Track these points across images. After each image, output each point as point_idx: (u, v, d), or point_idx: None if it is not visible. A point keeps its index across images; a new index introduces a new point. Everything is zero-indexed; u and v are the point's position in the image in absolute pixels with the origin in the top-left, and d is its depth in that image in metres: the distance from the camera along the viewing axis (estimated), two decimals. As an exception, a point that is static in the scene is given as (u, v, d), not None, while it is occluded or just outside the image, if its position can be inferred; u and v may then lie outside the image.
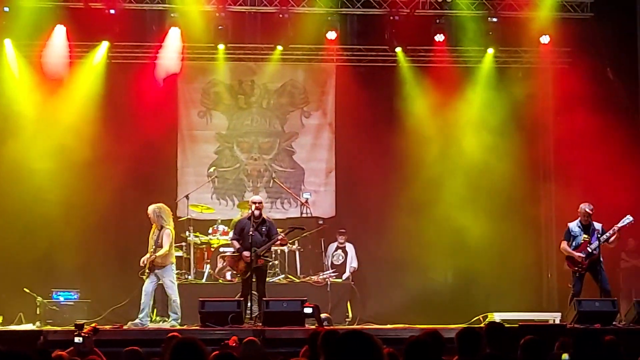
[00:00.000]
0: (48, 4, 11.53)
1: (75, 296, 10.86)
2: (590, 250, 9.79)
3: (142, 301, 9.76)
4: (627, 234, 10.48)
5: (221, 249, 11.40)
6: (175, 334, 6.02)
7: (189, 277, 11.34)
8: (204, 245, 11.50)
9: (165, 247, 9.68)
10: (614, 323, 9.30)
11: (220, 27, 12.06)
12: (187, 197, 11.81)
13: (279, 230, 10.15)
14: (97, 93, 11.99)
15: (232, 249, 10.78)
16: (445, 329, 6.78)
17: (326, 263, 11.92)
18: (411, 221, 11.95)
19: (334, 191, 12.86)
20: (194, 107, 12.87)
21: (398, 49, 12.42)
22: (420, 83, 12.51)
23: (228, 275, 11.25)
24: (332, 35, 12.13)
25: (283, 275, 11.34)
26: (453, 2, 12.03)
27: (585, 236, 9.86)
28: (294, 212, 12.49)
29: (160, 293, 10.42)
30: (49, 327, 9.80)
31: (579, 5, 12.15)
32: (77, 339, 6.13)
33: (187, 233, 11.44)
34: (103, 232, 11.70)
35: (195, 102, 12.88)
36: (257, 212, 9.90)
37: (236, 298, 9.77)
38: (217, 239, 11.50)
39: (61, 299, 10.77)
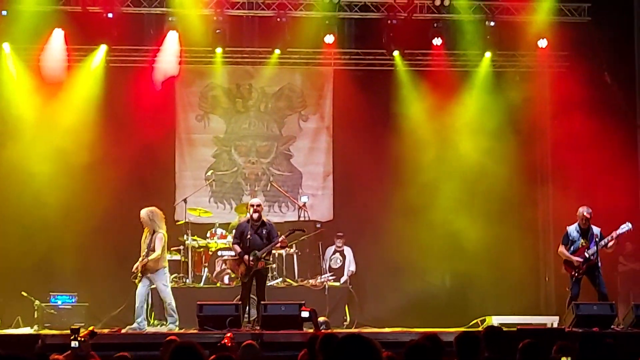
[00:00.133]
0: (46, 8, 11.53)
1: (73, 300, 10.84)
2: (587, 256, 9.79)
3: (137, 306, 9.73)
4: (625, 238, 10.50)
5: (219, 253, 11.40)
6: (173, 337, 6.01)
7: (187, 280, 11.33)
8: (201, 249, 11.50)
9: (158, 251, 9.66)
10: (612, 327, 9.31)
11: (218, 31, 12.06)
12: (185, 200, 11.80)
13: (278, 233, 10.14)
14: (95, 97, 12.00)
15: (230, 253, 10.79)
16: (444, 333, 6.79)
17: (324, 267, 11.92)
18: (409, 225, 11.96)
19: (332, 195, 12.87)
20: (191, 111, 12.88)
21: (396, 53, 12.45)
22: (418, 87, 12.53)
23: (226, 279, 11.25)
24: (329, 39, 12.15)
25: (281, 279, 11.34)
26: (451, 6, 12.05)
27: (584, 241, 9.87)
28: (291, 216, 12.49)
29: (157, 297, 10.41)
30: (46, 331, 9.78)
31: (576, 9, 12.18)
32: (73, 343, 6.11)
33: (185, 237, 11.43)
34: (101, 235, 11.69)
35: (193, 106, 12.89)
36: (255, 215, 9.89)
37: (235, 301, 9.77)
38: (215, 242, 11.50)
39: (59, 302, 10.76)
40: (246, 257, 9.75)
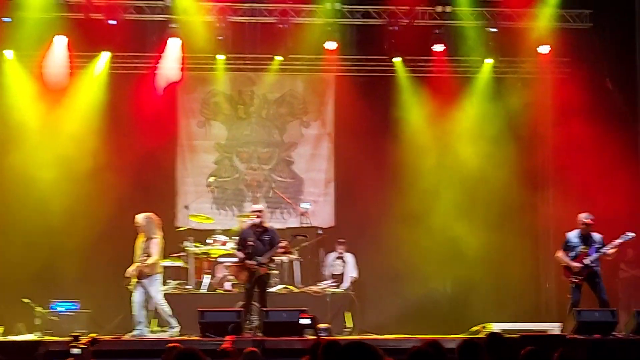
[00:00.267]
0: (49, 15, 11.57)
1: (76, 306, 10.84)
2: (587, 263, 9.77)
3: (135, 314, 9.71)
4: (627, 245, 10.48)
5: (220, 259, 11.40)
6: (175, 344, 6.01)
7: (189, 287, 11.33)
8: (203, 256, 11.50)
9: (155, 256, 9.65)
10: (613, 333, 9.29)
11: (220, 38, 12.11)
12: (186, 207, 11.81)
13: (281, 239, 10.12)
14: (98, 103, 12.03)
15: (231, 259, 10.79)
16: (445, 339, 6.78)
17: (325, 273, 11.92)
18: (410, 231, 11.97)
19: (333, 201, 12.88)
20: (193, 117, 12.91)
21: (397, 59, 12.47)
22: (420, 93, 12.56)
23: (227, 285, 11.25)
24: (331, 45, 12.19)
25: (282, 286, 11.33)
26: (452, 13, 12.10)
27: (584, 247, 9.85)
28: (293, 222, 12.50)
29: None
30: (48, 338, 9.77)
31: (578, 15, 12.21)
32: (74, 350, 6.11)
33: (187, 243, 11.43)
34: (104, 242, 11.70)
35: (195, 112, 12.92)
36: (257, 220, 9.90)
37: (237, 308, 9.77)
38: (217, 249, 11.50)
39: (61, 309, 10.75)
40: (249, 262, 9.75)
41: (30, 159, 11.64)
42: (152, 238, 9.69)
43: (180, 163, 12.77)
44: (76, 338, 6.11)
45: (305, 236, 10.91)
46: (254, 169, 12.94)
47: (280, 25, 12.12)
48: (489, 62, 12.49)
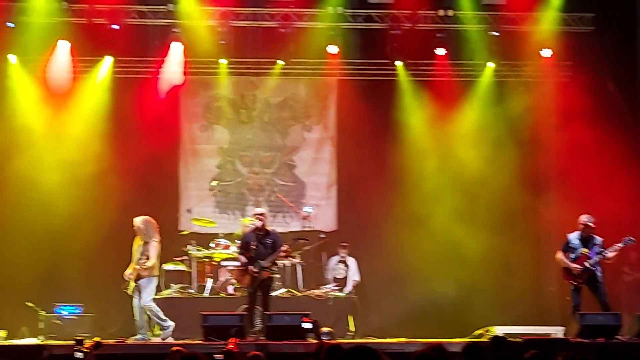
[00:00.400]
0: (52, 20, 11.61)
1: (79, 310, 10.85)
2: (587, 266, 9.75)
3: (137, 319, 9.70)
4: (629, 248, 10.46)
5: (223, 263, 11.41)
6: (179, 348, 6.02)
7: (191, 290, 11.33)
8: (206, 259, 11.50)
9: (153, 259, 9.66)
10: (617, 337, 9.28)
11: (222, 42, 12.13)
12: (189, 210, 11.81)
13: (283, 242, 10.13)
14: (101, 107, 12.06)
15: (234, 263, 10.79)
16: (448, 343, 6.78)
17: (328, 277, 11.92)
18: (413, 234, 11.97)
19: (336, 205, 12.88)
20: (196, 122, 12.92)
21: (399, 63, 12.49)
22: (422, 97, 12.56)
23: (230, 289, 11.25)
24: (333, 49, 12.20)
25: (285, 289, 11.33)
26: (454, 17, 12.11)
27: (585, 250, 9.83)
28: (295, 226, 12.50)
29: (162, 306, 10.41)
30: (52, 342, 9.79)
31: (580, 19, 12.22)
32: (78, 354, 6.12)
33: (189, 247, 11.44)
34: (107, 246, 11.70)
35: (198, 117, 12.94)
36: (259, 224, 9.91)
37: (240, 311, 9.77)
38: (219, 252, 11.50)
39: (65, 313, 10.77)
40: (251, 267, 9.75)
41: (34, 163, 11.66)
42: (150, 241, 9.70)
43: (183, 167, 12.79)
44: (80, 342, 6.11)
45: (307, 239, 10.91)
46: (256, 173, 12.95)
47: (283, 30, 12.14)
48: (491, 65, 12.50)
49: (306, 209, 12.26)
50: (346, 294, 11.63)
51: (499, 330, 10.34)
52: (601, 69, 12.01)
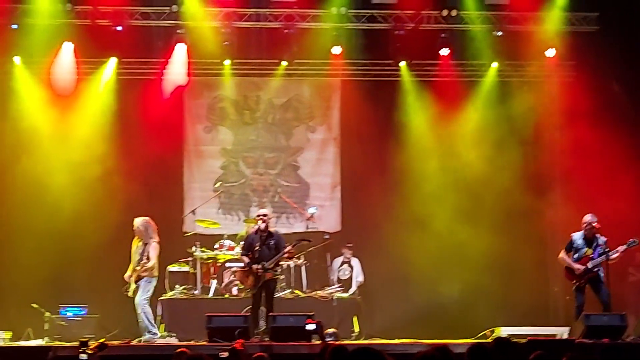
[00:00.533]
0: (56, 21, 11.63)
1: (84, 311, 10.87)
2: (589, 267, 9.73)
3: (140, 320, 9.70)
4: (635, 248, 10.42)
5: (227, 264, 11.41)
6: (184, 349, 6.02)
7: (196, 292, 11.34)
8: (210, 260, 11.51)
9: (153, 260, 9.68)
10: (622, 337, 9.25)
11: (226, 43, 12.14)
12: (193, 212, 11.82)
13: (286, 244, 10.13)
14: (106, 109, 12.08)
15: (238, 264, 10.79)
16: (453, 344, 6.77)
17: (332, 278, 11.91)
18: (417, 235, 11.95)
19: (340, 205, 12.88)
20: (199, 123, 12.94)
21: (402, 64, 12.48)
22: (425, 97, 12.55)
23: (235, 290, 11.25)
24: (337, 50, 12.20)
25: (289, 290, 11.33)
26: (458, 17, 12.10)
27: (588, 250, 9.81)
28: (299, 227, 12.50)
29: (167, 308, 10.43)
30: (57, 343, 9.80)
31: (584, 18, 12.20)
32: (82, 356, 6.13)
33: (194, 248, 11.45)
34: (112, 247, 11.72)
35: (201, 118, 12.95)
36: (262, 225, 9.91)
37: (245, 313, 9.77)
38: (224, 253, 11.51)
39: (69, 314, 10.78)
40: (254, 266, 9.76)
41: (40, 164, 11.69)
42: (149, 242, 9.71)
43: (186, 168, 12.80)
44: (84, 343, 6.12)
45: (309, 240, 10.90)
46: (260, 174, 12.95)
47: (286, 30, 12.15)
48: (494, 66, 12.48)
49: (310, 209, 12.26)
50: (350, 295, 11.62)
51: (504, 331, 10.32)
52: (605, 69, 11.98)
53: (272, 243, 9.92)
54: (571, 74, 12.35)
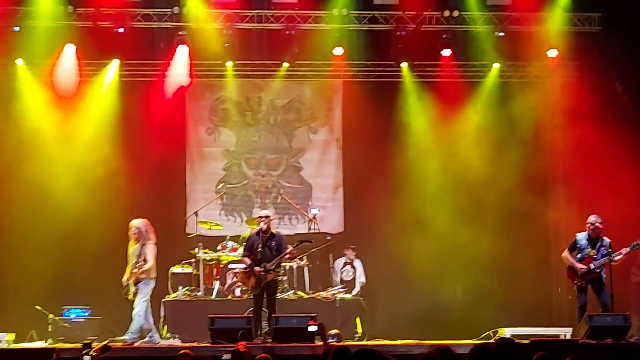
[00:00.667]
0: (58, 24, 11.65)
1: (87, 313, 10.88)
2: (592, 267, 9.71)
3: (143, 322, 9.70)
4: (636, 251, 10.40)
5: (230, 265, 11.41)
6: (187, 351, 6.03)
7: (199, 293, 11.35)
8: (213, 262, 11.51)
9: (151, 262, 9.66)
10: (625, 338, 9.24)
11: (227, 45, 12.15)
12: (196, 213, 11.83)
13: (288, 245, 10.13)
14: (108, 111, 12.10)
15: (241, 265, 10.80)
16: (456, 345, 6.77)
17: (335, 279, 11.91)
18: (419, 236, 11.95)
19: (342, 206, 12.88)
20: (202, 124, 12.95)
21: (404, 65, 12.48)
22: (427, 98, 12.55)
23: (237, 292, 11.25)
24: (338, 51, 12.20)
25: (292, 291, 11.33)
26: (460, 17, 12.09)
27: (592, 250, 9.79)
28: (301, 228, 12.51)
29: (169, 309, 10.43)
30: (60, 345, 9.81)
31: (586, 19, 12.19)
32: (85, 358, 6.13)
33: (196, 249, 11.46)
34: (115, 249, 11.72)
35: (204, 119, 12.97)
36: (264, 226, 9.91)
37: (247, 314, 9.77)
38: (226, 255, 11.51)
39: (73, 316, 10.79)
40: (256, 268, 9.76)
41: (43, 166, 11.71)
42: (146, 243, 9.71)
43: (189, 170, 12.82)
44: (88, 345, 6.12)
45: (311, 242, 10.89)
46: (262, 175, 12.97)
47: (287, 32, 12.16)
48: (496, 66, 12.48)
49: (313, 210, 12.27)
50: (353, 296, 11.62)
51: (507, 332, 10.32)
52: (607, 69, 11.97)
53: (274, 244, 9.92)
54: (573, 74, 12.34)
